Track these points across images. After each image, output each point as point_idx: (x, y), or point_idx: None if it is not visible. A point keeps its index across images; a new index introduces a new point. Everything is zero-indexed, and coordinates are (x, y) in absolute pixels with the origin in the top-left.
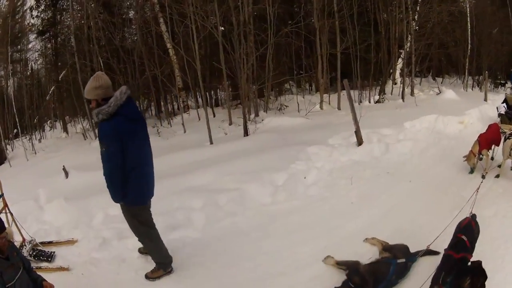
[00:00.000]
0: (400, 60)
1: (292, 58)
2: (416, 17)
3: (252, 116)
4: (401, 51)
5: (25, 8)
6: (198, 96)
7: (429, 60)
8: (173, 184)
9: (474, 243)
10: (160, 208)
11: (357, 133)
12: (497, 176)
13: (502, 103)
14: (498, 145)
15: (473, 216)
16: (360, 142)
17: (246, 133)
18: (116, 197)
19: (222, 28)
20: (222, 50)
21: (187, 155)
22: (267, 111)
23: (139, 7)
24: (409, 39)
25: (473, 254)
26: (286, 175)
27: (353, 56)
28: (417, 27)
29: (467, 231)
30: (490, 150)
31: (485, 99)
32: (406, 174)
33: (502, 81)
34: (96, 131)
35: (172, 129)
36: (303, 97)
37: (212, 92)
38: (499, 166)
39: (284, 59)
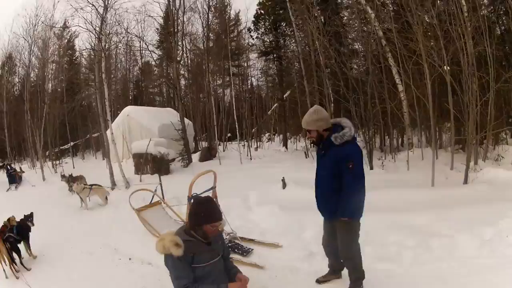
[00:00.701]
0: None
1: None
2: None
3: (472, 163)
4: None
5: (240, 29)
6: (422, 135)
7: None
8: (390, 218)
9: None
10: (375, 239)
11: None
12: None
13: None
14: None
15: None
16: None
17: (465, 180)
18: (354, 212)
19: (448, 68)
20: (450, 91)
21: (407, 193)
22: (485, 160)
23: (364, 40)
24: None
25: None
26: (492, 230)
27: None
28: None
29: None
30: None
31: None
32: None
33: None
34: (317, 152)
35: (396, 164)
36: None
37: (437, 133)
38: None
39: (505, 106)
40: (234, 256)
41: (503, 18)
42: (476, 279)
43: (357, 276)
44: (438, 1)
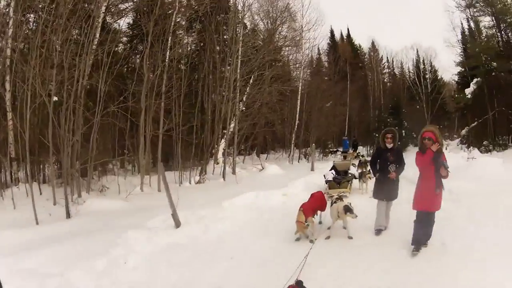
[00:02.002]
0: (223, 140)
1: (115, 138)
2: (244, 98)
3: (75, 196)
4: (225, 131)
5: None
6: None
7: (254, 139)
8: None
9: None
10: None
11: (174, 215)
12: (328, 237)
13: (330, 170)
14: (323, 210)
15: (299, 283)
16: (177, 224)
17: (68, 215)
18: None
19: (56, 99)
20: (51, 122)
21: (14, 234)
22: (89, 192)
23: None
24: (233, 119)
25: None
26: (106, 260)
27: (176, 137)
28: (243, 108)
29: None
30: (316, 216)
31: (312, 169)
32: (227, 252)
33: (332, 149)
34: None
35: (4, 202)
36: (125, 178)
37: (41, 167)
38: (329, 228)
39: (108, 138)
40: None
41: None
42: None
43: None
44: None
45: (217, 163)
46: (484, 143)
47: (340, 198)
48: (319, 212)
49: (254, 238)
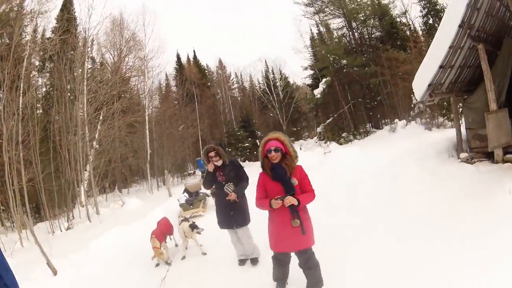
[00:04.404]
0: (85, 181)
1: None
2: (96, 135)
3: None
4: (85, 172)
5: None
6: None
7: (112, 175)
8: None
9: None
10: None
11: (49, 264)
12: (183, 257)
13: (183, 193)
14: (171, 234)
15: None
16: (54, 272)
17: None
18: None
19: None
20: None
21: None
22: None
23: None
24: (90, 158)
25: None
26: None
27: (38, 186)
28: (97, 146)
29: None
30: (169, 239)
31: (170, 195)
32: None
33: (189, 171)
34: None
35: None
36: (6, 236)
37: None
38: (184, 249)
39: None
40: None
41: None
42: None
43: None
44: None
45: (82, 206)
46: (343, 135)
47: (185, 219)
48: (173, 235)
49: (122, 270)
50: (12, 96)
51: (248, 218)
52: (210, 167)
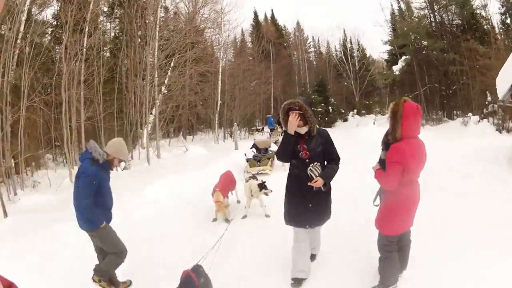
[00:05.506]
0: (149, 124)
1: (41, 131)
2: (166, 81)
3: (11, 195)
4: (150, 115)
5: None
6: None
7: (178, 121)
8: None
9: None
10: None
11: None
12: (244, 216)
13: (251, 148)
14: (233, 189)
15: (195, 269)
16: None
17: (5, 214)
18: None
19: None
20: None
21: None
22: (23, 188)
23: None
24: (157, 102)
25: None
26: (37, 256)
27: (98, 125)
28: (165, 91)
29: (186, 284)
30: (230, 194)
31: (236, 148)
32: (146, 234)
33: (258, 127)
34: None
35: None
36: (55, 171)
37: None
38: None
39: (35, 133)
40: None
41: None
42: None
43: None
44: None
45: (143, 148)
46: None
47: (253, 176)
48: (235, 191)
49: (173, 220)
50: (76, 37)
51: (329, 214)
52: (292, 125)
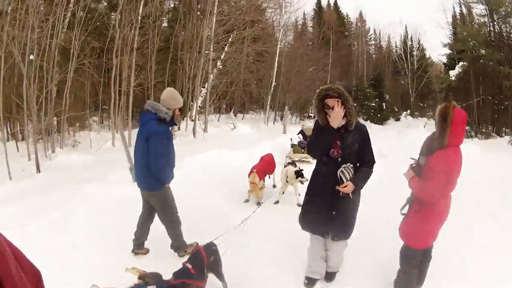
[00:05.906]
0: (200, 98)
1: (87, 93)
2: (222, 56)
3: (49, 152)
4: (202, 89)
5: None
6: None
7: (230, 98)
8: None
9: (201, 270)
10: None
11: (131, 170)
12: (276, 202)
13: (298, 134)
14: (271, 173)
15: (207, 245)
16: (134, 179)
17: (38, 170)
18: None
19: (32, 57)
20: (25, 80)
21: None
22: (63, 147)
23: None
24: (210, 77)
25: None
26: (60, 212)
27: (147, 92)
28: (221, 66)
29: (194, 259)
30: (265, 179)
31: (284, 132)
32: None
33: (310, 114)
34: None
35: None
36: (99, 134)
37: (18, 124)
38: (282, 193)
39: (81, 94)
40: None
41: None
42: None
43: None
44: None
45: (192, 120)
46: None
47: (293, 162)
48: (273, 175)
49: (205, 196)
50: (132, 6)
51: (352, 229)
52: (337, 117)
